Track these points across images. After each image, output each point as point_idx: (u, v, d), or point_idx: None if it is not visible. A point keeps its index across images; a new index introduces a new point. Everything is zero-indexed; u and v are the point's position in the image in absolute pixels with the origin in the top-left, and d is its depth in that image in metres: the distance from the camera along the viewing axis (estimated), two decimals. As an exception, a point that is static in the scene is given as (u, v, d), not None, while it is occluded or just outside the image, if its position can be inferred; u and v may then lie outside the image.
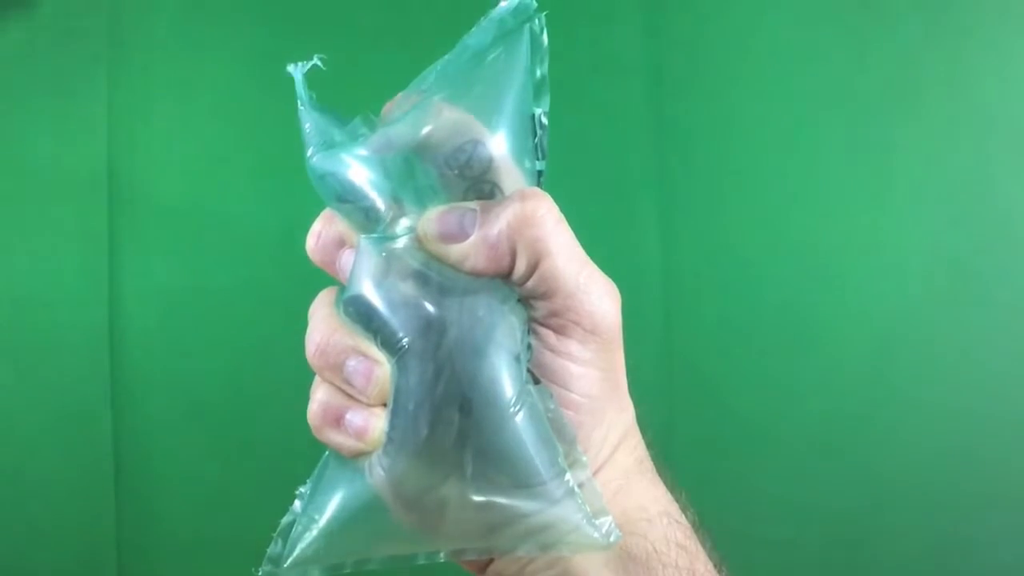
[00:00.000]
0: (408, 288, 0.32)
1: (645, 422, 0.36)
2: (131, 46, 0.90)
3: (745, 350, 0.92)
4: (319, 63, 0.34)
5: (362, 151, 0.33)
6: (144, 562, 0.88)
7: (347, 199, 0.33)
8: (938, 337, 0.91)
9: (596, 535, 0.32)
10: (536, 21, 0.33)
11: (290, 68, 0.34)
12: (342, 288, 0.34)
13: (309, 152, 0.33)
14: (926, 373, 0.91)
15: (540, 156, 0.34)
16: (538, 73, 0.34)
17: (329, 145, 0.33)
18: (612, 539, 0.32)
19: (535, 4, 0.33)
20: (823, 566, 0.92)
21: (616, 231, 0.93)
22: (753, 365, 0.92)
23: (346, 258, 0.34)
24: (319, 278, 0.36)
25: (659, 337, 0.92)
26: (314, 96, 0.34)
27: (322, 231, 0.35)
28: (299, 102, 0.34)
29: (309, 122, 0.34)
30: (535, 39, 0.33)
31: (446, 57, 0.34)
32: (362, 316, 0.33)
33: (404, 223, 0.33)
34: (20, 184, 0.89)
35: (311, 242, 0.36)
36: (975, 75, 0.92)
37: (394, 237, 0.33)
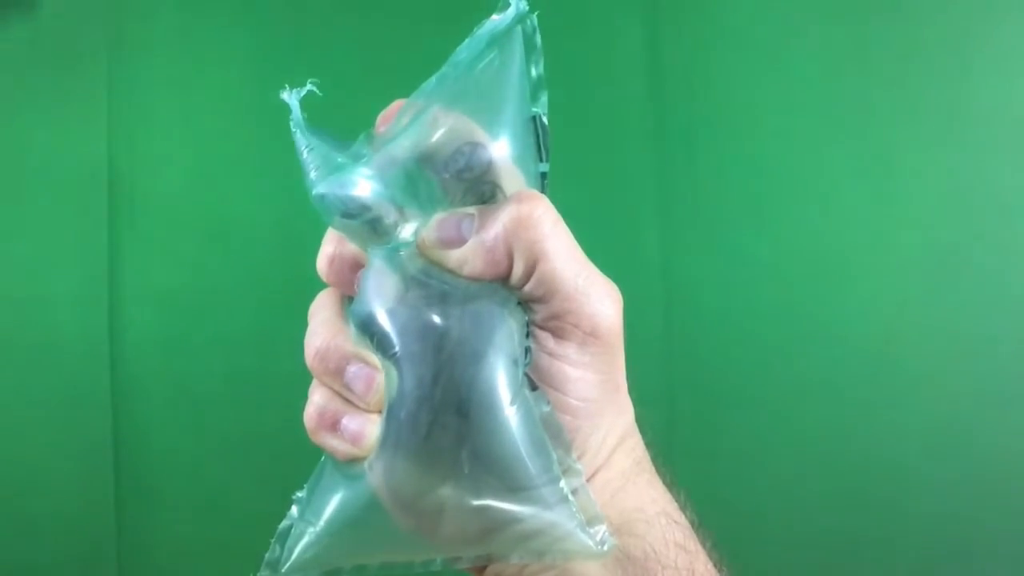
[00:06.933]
0: (411, 295, 0.32)
1: (644, 422, 0.36)
2: (131, 46, 0.90)
3: (745, 349, 0.92)
4: (314, 88, 0.34)
5: (366, 171, 0.32)
6: (144, 562, 0.88)
7: (352, 215, 0.33)
8: (939, 335, 0.91)
9: (590, 542, 0.31)
10: (528, 22, 0.33)
11: (284, 96, 0.34)
12: (350, 297, 0.34)
13: (312, 176, 0.33)
14: (927, 371, 0.91)
15: (543, 157, 0.34)
16: (534, 73, 0.33)
17: (332, 169, 0.33)
18: (606, 547, 0.31)
19: (527, 8, 0.33)
20: (824, 565, 0.91)
21: (616, 231, 0.93)
22: (753, 364, 0.92)
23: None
24: (318, 278, 0.36)
25: (659, 337, 0.92)
26: (307, 119, 0.34)
27: (335, 253, 0.35)
28: (293, 126, 0.33)
29: (307, 146, 0.33)
30: (528, 40, 0.33)
31: (442, 69, 0.33)
32: (365, 325, 0.33)
33: (410, 230, 0.33)
34: (20, 184, 0.89)
35: (323, 265, 0.35)
36: (976, 73, 0.91)
37: (400, 246, 0.33)
